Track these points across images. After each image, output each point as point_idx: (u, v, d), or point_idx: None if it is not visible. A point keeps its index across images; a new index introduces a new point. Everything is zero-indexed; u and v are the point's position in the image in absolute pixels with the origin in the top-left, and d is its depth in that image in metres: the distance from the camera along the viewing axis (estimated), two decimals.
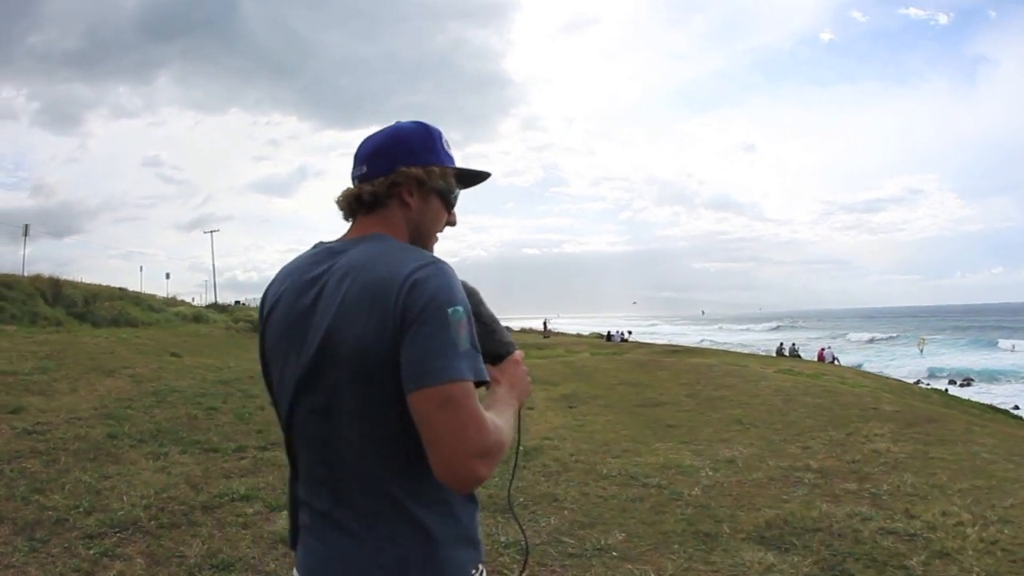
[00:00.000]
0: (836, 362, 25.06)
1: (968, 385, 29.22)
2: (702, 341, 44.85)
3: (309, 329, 1.08)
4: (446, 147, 1.22)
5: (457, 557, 1.08)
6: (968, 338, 53.82)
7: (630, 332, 43.02)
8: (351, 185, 1.20)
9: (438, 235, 1.25)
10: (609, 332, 40.52)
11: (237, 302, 43.78)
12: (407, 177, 1.16)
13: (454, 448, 0.96)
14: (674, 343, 36.30)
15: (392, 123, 1.22)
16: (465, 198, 1.29)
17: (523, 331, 41.88)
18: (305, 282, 1.12)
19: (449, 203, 1.23)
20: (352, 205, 1.19)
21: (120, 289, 25.93)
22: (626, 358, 18.11)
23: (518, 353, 1.24)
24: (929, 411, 8.74)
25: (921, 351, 44.25)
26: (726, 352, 28.08)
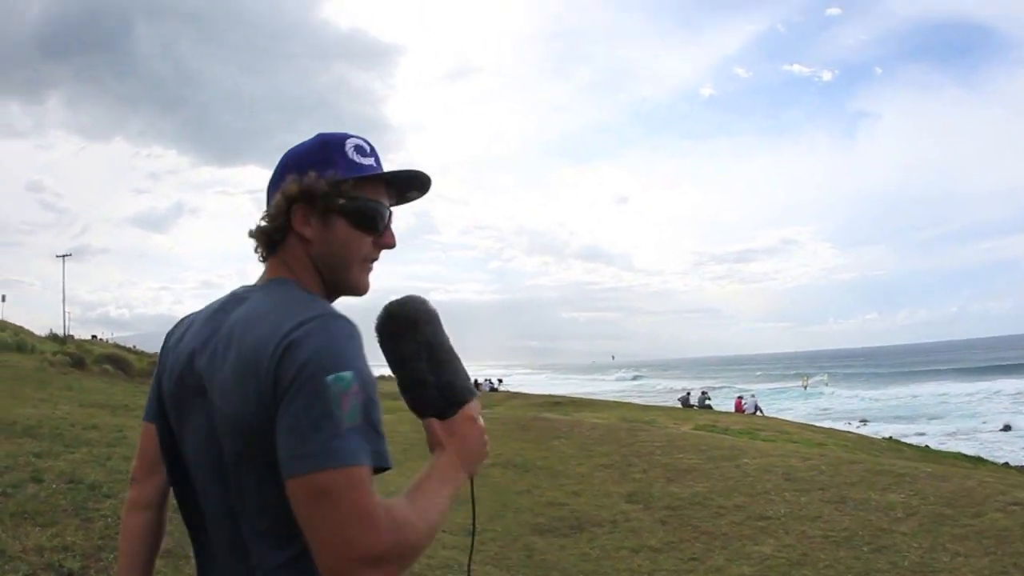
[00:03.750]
0: (759, 412, 21.65)
1: (865, 424, 27.86)
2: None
3: (203, 401, 0.92)
4: (352, 154, 0.96)
5: None
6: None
7: (500, 380, 39.20)
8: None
9: (372, 264, 1.00)
10: (476, 380, 36.52)
11: (94, 336, 39.93)
12: (288, 200, 0.94)
13: (334, 552, 0.77)
14: (546, 392, 32.89)
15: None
16: None
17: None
18: (199, 344, 0.95)
19: (365, 221, 0.97)
20: (258, 246, 1.00)
21: None
22: (501, 415, 13.72)
23: (473, 405, 0.97)
24: None
25: (805, 387, 44.57)
26: (619, 404, 23.47)
